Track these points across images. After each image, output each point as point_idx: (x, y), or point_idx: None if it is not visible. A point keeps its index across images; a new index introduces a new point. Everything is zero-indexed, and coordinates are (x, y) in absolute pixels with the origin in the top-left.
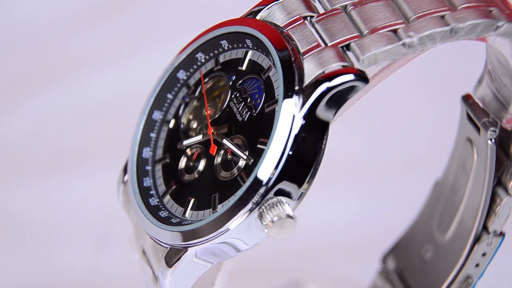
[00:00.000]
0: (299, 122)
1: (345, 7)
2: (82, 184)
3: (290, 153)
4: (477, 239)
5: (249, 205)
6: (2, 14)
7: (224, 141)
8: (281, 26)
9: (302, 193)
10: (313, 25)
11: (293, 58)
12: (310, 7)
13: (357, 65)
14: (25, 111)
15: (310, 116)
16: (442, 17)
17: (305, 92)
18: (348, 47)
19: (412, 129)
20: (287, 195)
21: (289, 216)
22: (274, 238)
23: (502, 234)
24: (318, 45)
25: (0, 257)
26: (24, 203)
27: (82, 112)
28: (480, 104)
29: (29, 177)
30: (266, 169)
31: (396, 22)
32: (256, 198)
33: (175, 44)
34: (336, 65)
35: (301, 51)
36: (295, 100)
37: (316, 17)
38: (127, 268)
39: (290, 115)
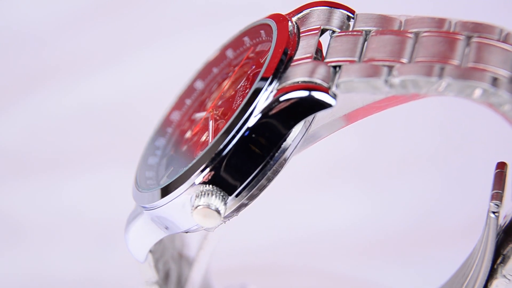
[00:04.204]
0: (249, 125)
1: (368, 32)
2: (81, 184)
3: (231, 149)
4: None
5: (185, 185)
6: (2, 15)
7: (211, 122)
8: (301, 30)
9: (240, 192)
10: (330, 39)
11: (283, 65)
12: (339, 23)
13: (333, 88)
14: (24, 112)
15: (262, 121)
16: (443, 68)
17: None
18: (340, 68)
19: (415, 131)
20: (225, 189)
21: (217, 211)
22: (198, 224)
23: None
24: (310, 57)
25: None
26: (23, 204)
27: (81, 113)
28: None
29: (27, 178)
30: (207, 156)
31: (396, 59)
32: (191, 181)
33: (173, 45)
34: (306, 79)
35: (294, 58)
36: (259, 99)
37: (337, 33)
38: (126, 268)
39: (247, 112)
